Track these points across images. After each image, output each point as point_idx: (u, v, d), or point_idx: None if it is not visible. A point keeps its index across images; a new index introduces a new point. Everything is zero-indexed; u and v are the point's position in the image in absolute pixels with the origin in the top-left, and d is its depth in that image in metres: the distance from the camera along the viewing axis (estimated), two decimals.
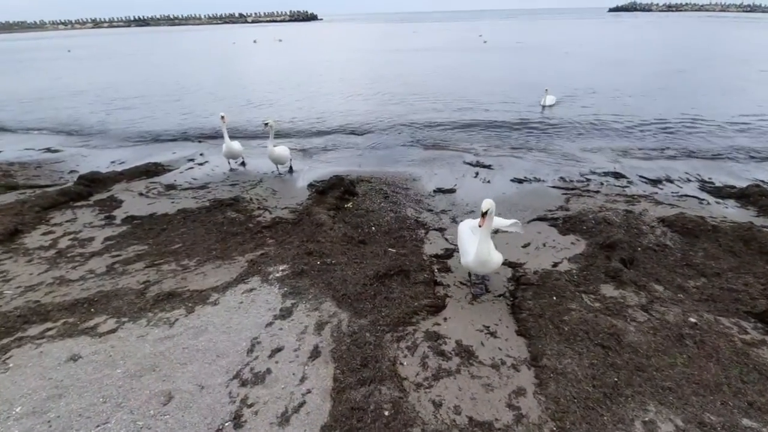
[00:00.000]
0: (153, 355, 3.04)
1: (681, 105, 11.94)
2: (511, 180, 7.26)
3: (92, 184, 6.98)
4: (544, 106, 11.89)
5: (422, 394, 2.74)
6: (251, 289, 3.89)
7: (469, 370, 2.95)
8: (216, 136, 10.49)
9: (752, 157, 8.00)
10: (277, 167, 7.68)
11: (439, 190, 6.86)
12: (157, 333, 3.28)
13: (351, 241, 4.95)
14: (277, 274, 4.15)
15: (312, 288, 3.90)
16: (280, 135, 10.42)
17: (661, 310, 3.52)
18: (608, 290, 3.93)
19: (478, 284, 4.08)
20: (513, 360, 3.07)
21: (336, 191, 6.36)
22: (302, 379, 2.82)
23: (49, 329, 3.43)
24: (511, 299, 3.88)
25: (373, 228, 5.40)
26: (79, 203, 6.44)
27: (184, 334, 3.25)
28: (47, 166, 8.48)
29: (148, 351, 3.08)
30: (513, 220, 3.96)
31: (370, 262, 4.42)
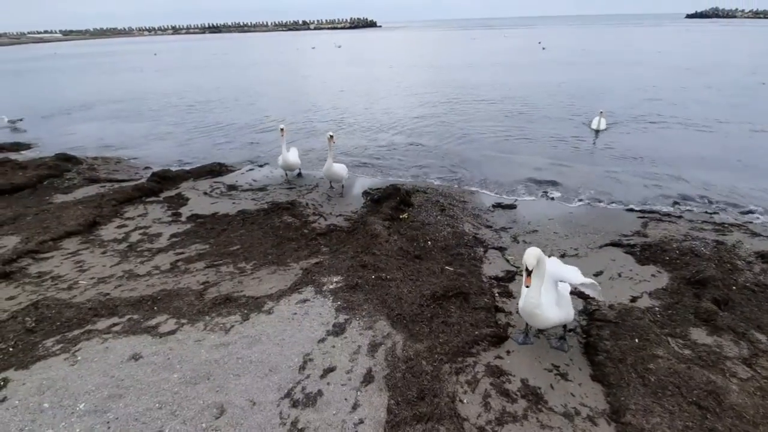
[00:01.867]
0: (208, 363, 3.03)
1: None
2: (579, 199, 6.73)
3: (163, 180, 7.38)
4: (597, 131, 10.30)
5: None
6: (305, 300, 3.81)
7: (538, 417, 2.64)
8: (274, 132, 10.80)
9: None
10: (331, 184, 7.30)
11: (499, 206, 6.51)
12: (213, 339, 3.29)
13: (406, 255, 4.77)
14: (331, 286, 4.05)
15: (366, 304, 3.75)
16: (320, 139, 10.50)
17: (767, 366, 2.99)
18: (700, 336, 3.43)
19: (526, 340, 3.41)
20: (589, 411, 2.71)
21: (392, 201, 6.21)
22: (354, 407, 2.66)
23: (115, 324, 3.55)
24: (584, 337, 3.49)
25: (429, 242, 5.18)
26: (150, 199, 6.81)
27: (239, 342, 3.22)
28: (126, 162, 9.13)
29: (204, 357, 3.07)
30: (589, 280, 2.99)
31: (426, 280, 4.21)
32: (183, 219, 6.07)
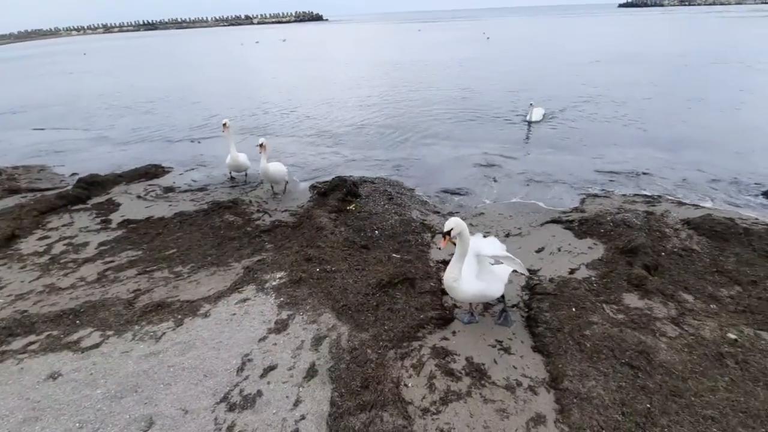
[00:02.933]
0: (136, 374, 2.80)
1: (694, 104, 11.44)
2: (520, 179, 6.93)
3: (91, 186, 6.82)
4: (530, 123, 10.10)
5: (429, 421, 2.45)
6: (245, 300, 3.64)
7: (482, 392, 2.66)
8: (215, 135, 10.31)
9: None
10: (272, 187, 6.71)
11: (446, 192, 6.58)
12: (142, 348, 3.05)
13: (353, 246, 4.68)
14: (274, 283, 3.90)
15: (310, 298, 3.64)
16: (281, 137, 10.20)
17: (694, 324, 3.19)
18: (632, 300, 3.61)
19: (471, 319, 3.43)
20: (530, 381, 2.76)
21: (338, 193, 6.10)
22: (296, 403, 2.55)
23: (32, 343, 3.21)
24: (526, 311, 3.57)
25: (377, 232, 5.13)
26: (77, 207, 6.26)
27: (171, 350, 3.01)
28: (50, 169, 8.36)
29: (131, 369, 2.84)
30: (504, 254, 3.03)
31: (372, 269, 4.15)
32: (113, 225, 5.64)
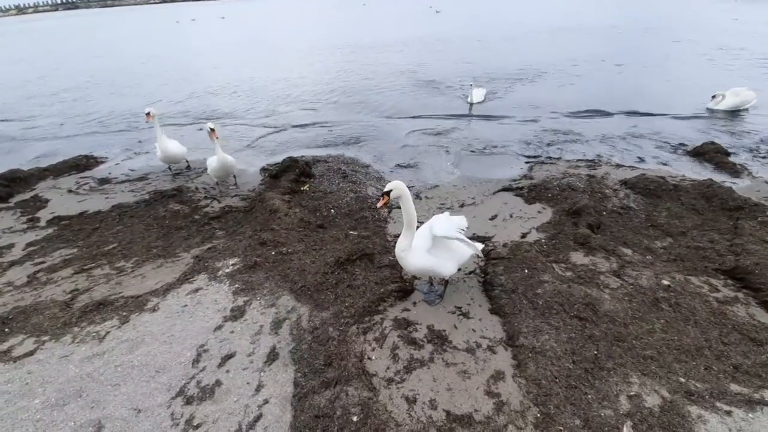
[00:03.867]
0: (79, 378, 2.59)
1: (619, 71, 12.11)
2: (472, 151, 7.06)
3: (12, 183, 6.14)
4: (471, 104, 9.57)
5: (394, 390, 2.48)
6: (197, 290, 3.46)
7: (443, 357, 2.72)
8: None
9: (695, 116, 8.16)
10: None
11: (400, 166, 6.57)
12: (84, 351, 2.82)
13: (308, 226, 4.58)
14: (227, 270, 3.73)
15: (267, 282, 3.52)
16: (226, 119, 9.68)
17: (633, 275, 3.43)
18: (579, 258, 3.81)
19: (431, 289, 3.45)
20: (489, 341, 2.86)
21: (291, 174, 5.91)
22: (258, 388, 2.48)
23: None
24: (483, 276, 3.68)
25: (333, 210, 5.04)
26: None
27: (117, 349, 2.81)
28: None
29: (73, 374, 2.63)
30: (453, 234, 2.90)
31: (330, 247, 4.08)
32: (42, 224, 5.13)
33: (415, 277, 3.68)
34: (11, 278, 4.01)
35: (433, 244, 3.00)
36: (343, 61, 15.87)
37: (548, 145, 7.12)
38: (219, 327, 3.01)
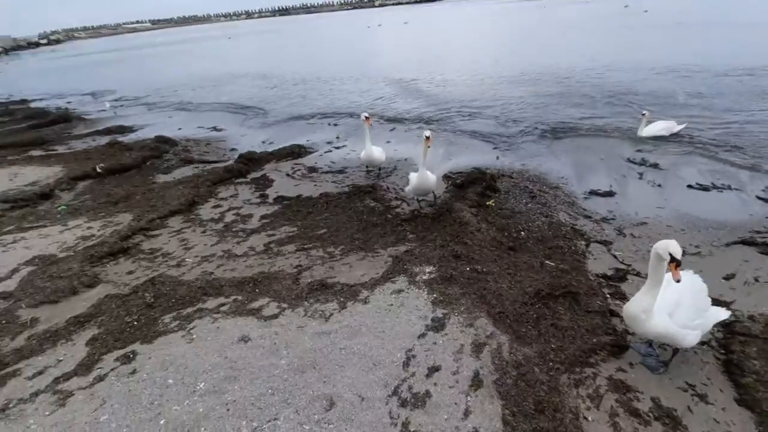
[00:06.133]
0: (313, 351, 3.06)
1: None
2: (690, 186, 5.87)
3: (249, 162, 7.67)
4: (640, 137, 7.62)
5: None
6: (399, 291, 3.72)
7: None
8: (351, 116, 10.80)
9: None
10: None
11: (594, 193, 5.89)
12: (314, 326, 3.32)
13: (500, 246, 4.48)
14: (424, 277, 3.92)
15: (463, 298, 3.57)
16: (399, 122, 10.17)
17: None
18: None
19: (650, 352, 3.02)
20: None
21: (477, 186, 5.89)
22: (466, 413, 2.52)
23: (223, 304, 3.73)
24: (723, 352, 3.02)
25: (523, 233, 4.83)
26: (239, 180, 7.12)
27: (340, 332, 3.22)
28: (214, 143, 9.65)
29: (308, 345, 3.11)
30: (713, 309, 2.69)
31: (525, 274, 3.92)
32: (270, 200, 6.27)
33: (627, 332, 3.26)
34: (253, 244, 5.00)
35: (676, 308, 2.58)
36: (513, 70, 15.10)
37: None
38: (422, 335, 3.17)
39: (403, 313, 3.44)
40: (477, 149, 8.00)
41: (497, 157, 7.47)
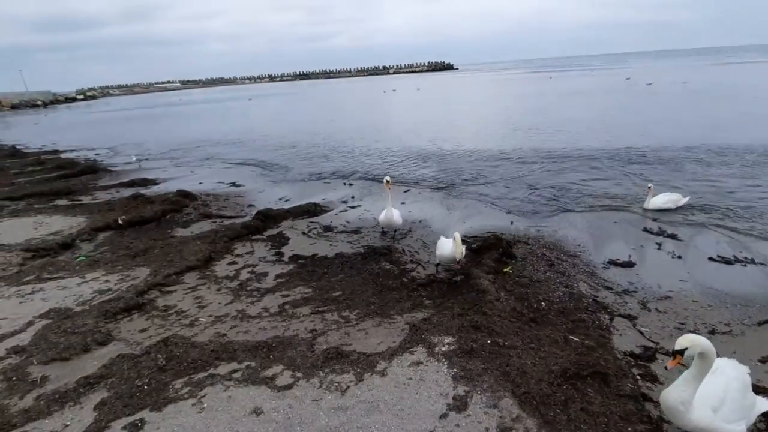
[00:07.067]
0: (328, 429, 2.89)
1: None
2: (711, 258, 5.78)
3: (266, 219, 7.80)
4: (646, 209, 7.60)
5: None
6: (418, 363, 3.59)
7: None
8: (366, 177, 11.12)
9: None
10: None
11: (614, 263, 5.81)
12: (330, 400, 3.17)
13: (521, 317, 4.37)
14: (443, 348, 3.79)
15: (485, 375, 3.42)
16: (414, 185, 10.40)
17: None
18: None
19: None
20: None
21: (494, 252, 5.87)
22: None
23: (235, 371, 3.61)
24: None
25: (543, 304, 4.72)
26: (255, 237, 7.21)
27: (357, 407, 3.07)
28: (233, 198, 9.92)
29: (324, 422, 2.95)
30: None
31: (549, 350, 3.77)
32: (285, 259, 6.29)
33: (662, 419, 3.04)
34: (267, 305, 4.94)
35: (722, 405, 2.43)
36: (519, 135, 15.69)
37: None
38: (444, 415, 3.00)
39: (422, 389, 3.28)
40: (490, 213, 8.08)
41: (511, 222, 7.51)
